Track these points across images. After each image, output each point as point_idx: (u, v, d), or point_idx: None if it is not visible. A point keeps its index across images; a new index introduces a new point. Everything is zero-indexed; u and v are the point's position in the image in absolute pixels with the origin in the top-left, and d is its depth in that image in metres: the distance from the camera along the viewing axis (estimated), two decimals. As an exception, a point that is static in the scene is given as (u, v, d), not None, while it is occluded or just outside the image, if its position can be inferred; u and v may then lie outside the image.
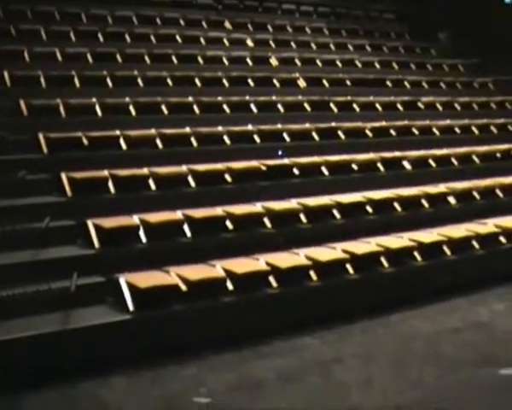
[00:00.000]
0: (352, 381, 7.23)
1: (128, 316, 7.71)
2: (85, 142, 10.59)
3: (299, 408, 6.64)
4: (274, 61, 15.73)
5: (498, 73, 18.12)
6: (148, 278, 8.01)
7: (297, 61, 16.10)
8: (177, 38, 15.63)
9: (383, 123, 14.11)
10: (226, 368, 7.46)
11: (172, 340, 7.75)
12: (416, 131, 14.39)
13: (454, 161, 13.66)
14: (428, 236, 10.42)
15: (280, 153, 11.84)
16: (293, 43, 17.18)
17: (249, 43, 16.49)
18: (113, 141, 10.90)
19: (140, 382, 7.09)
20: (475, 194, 12.55)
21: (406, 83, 16.78)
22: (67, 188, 9.55)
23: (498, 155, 14.60)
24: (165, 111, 12.25)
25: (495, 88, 18.27)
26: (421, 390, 7.02)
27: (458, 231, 10.81)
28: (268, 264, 8.73)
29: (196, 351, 7.61)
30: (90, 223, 8.85)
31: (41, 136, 10.42)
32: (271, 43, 16.82)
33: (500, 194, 12.87)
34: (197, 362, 7.50)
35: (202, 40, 15.89)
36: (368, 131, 13.62)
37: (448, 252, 10.37)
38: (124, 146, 10.91)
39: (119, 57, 13.85)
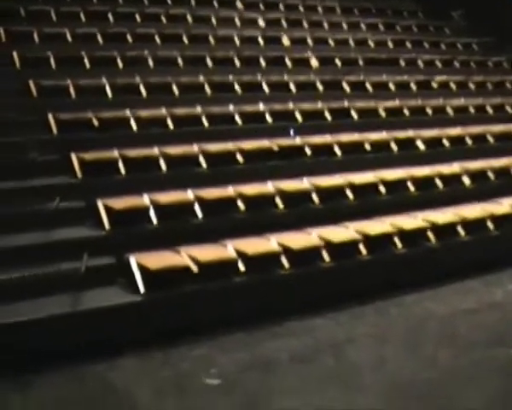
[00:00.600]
0: (365, 361, 7.17)
1: (139, 297, 7.67)
2: (95, 122, 10.54)
3: (311, 388, 6.57)
4: (286, 41, 15.57)
5: (513, 52, 17.92)
6: (158, 259, 7.96)
7: (309, 41, 15.93)
8: (188, 17, 15.47)
9: (396, 102, 13.94)
10: (238, 348, 7.41)
11: (183, 321, 7.69)
12: (429, 111, 14.21)
13: (468, 140, 13.49)
14: (442, 216, 10.29)
15: (291, 133, 11.73)
16: (305, 23, 16.99)
17: (261, 22, 16.32)
18: (123, 121, 10.82)
19: (150, 363, 7.05)
20: (490, 174, 12.37)
21: (420, 62, 16.57)
22: (77, 169, 9.49)
23: (513, 134, 14.42)
24: (176, 91, 12.14)
25: (509, 67, 18.01)
26: (434, 371, 6.93)
27: (473, 211, 10.67)
28: (280, 244, 8.65)
29: (207, 332, 7.55)
30: (100, 204, 8.79)
31: (50, 117, 10.35)
32: (283, 22, 16.65)
33: (515, 174, 12.71)
34: (208, 343, 7.45)
35: (213, 20, 15.75)
36: (381, 111, 13.46)
37: (462, 232, 10.25)
38: (134, 126, 10.82)
39: (129, 37, 13.70)
